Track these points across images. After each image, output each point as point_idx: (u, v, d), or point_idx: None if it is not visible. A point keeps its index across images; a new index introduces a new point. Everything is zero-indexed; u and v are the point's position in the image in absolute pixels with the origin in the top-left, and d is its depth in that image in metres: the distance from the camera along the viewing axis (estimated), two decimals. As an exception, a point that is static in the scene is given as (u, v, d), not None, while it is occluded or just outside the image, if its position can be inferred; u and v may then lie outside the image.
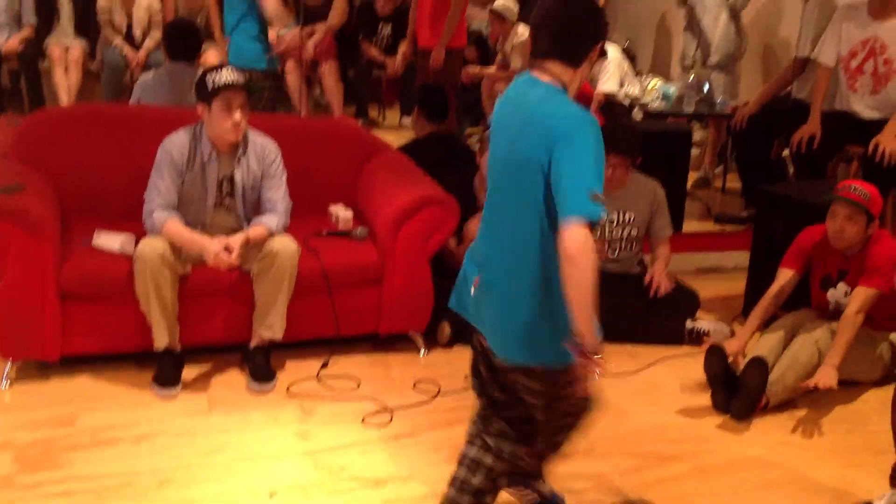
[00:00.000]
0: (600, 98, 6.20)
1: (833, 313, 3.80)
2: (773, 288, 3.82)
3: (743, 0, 6.11)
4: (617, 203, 4.18)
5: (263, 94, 5.47)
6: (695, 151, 6.61)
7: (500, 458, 2.48)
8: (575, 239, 2.06)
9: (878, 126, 4.69)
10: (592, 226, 2.08)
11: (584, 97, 5.92)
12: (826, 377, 3.44)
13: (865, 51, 4.77)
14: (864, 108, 4.84)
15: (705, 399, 3.62)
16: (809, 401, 3.68)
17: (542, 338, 2.24)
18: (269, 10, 5.48)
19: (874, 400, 3.77)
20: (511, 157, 2.26)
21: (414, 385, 3.63)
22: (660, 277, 4.17)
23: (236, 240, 3.46)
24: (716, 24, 6.17)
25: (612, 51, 6.43)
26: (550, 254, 2.16)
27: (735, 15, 6.14)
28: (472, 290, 2.38)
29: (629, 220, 4.24)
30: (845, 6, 4.97)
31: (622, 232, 4.24)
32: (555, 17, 2.27)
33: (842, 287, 3.79)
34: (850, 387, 3.77)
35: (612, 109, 5.93)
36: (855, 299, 3.63)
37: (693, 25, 6.31)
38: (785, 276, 3.84)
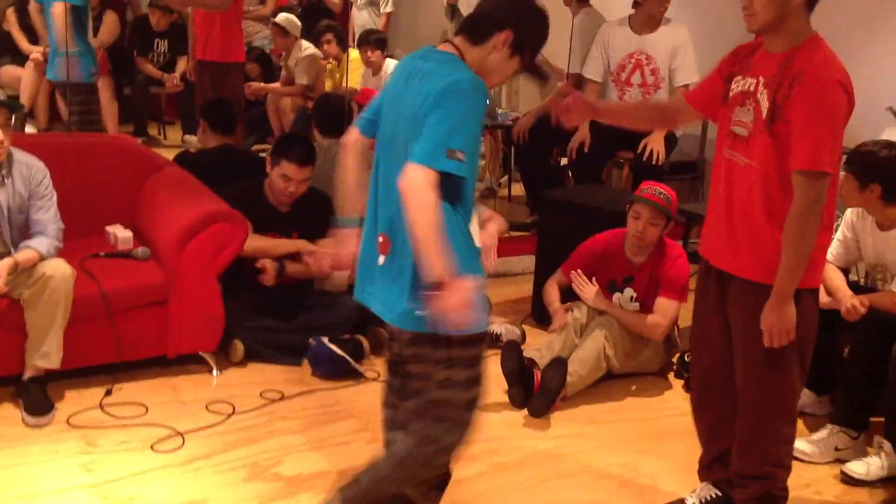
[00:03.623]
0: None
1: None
2: (550, 282, 4.21)
3: None
4: None
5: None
6: (480, 163, 6.79)
7: None
8: (409, 178, 2.12)
9: (645, 132, 5.00)
10: (448, 177, 2.15)
11: None
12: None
13: (632, 64, 5.08)
14: (634, 118, 5.13)
15: (502, 398, 3.70)
16: (599, 393, 3.85)
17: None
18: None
19: (655, 389, 3.99)
20: (399, 116, 2.29)
21: (206, 406, 3.50)
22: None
23: (3, 265, 3.23)
24: None
25: (391, 65, 6.52)
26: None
27: None
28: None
29: None
30: (607, 24, 5.29)
31: None
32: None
33: (628, 292, 4.01)
34: (634, 377, 3.97)
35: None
36: (662, 311, 3.89)
37: None
38: (560, 278, 4.18)
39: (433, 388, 2.34)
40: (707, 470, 2.98)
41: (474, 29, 2.35)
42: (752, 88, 2.53)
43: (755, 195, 2.51)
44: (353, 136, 2.52)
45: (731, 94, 2.61)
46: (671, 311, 3.90)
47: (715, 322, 2.73)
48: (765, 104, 2.46)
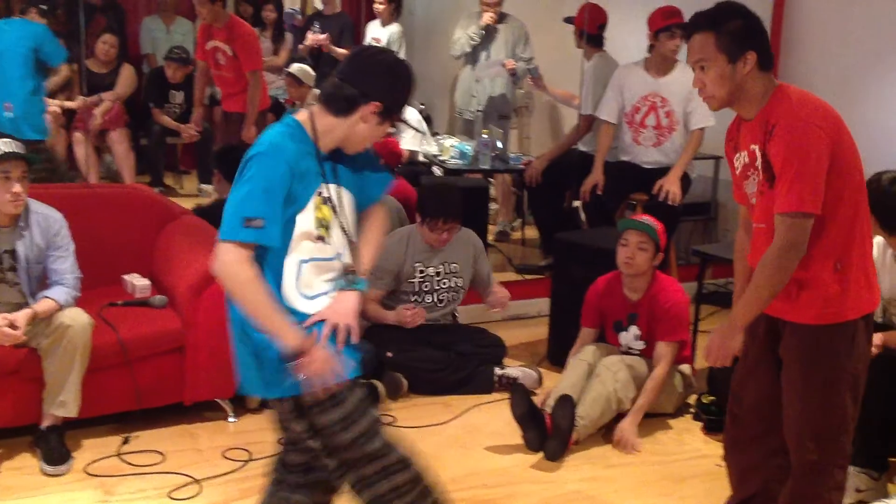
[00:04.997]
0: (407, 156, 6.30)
1: (626, 353, 4.00)
2: (578, 344, 4.09)
3: (522, 72, 6.40)
4: (443, 255, 4.29)
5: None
6: (494, 206, 6.82)
7: None
8: (217, 260, 2.16)
9: (659, 173, 5.02)
10: (259, 246, 2.18)
11: (392, 155, 5.96)
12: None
13: (647, 106, 5.11)
14: (648, 159, 5.16)
15: (517, 442, 3.68)
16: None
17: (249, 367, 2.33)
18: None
19: (672, 431, 3.96)
20: None
21: (223, 453, 3.50)
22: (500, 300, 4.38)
23: (22, 315, 3.27)
24: (493, 83, 6.46)
25: (410, 112, 6.58)
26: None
27: (514, 79, 6.44)
28: None
29: (454, 270, 4.33)
30: (623, 67, 5.33)
31: (448, 282, 4.32)
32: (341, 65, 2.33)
33: (633, 330, 4.00)
34: (650, 419, 3.94)
35: (414, 168, 6.05)
36: (664, 359, 3.88)
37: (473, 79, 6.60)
38: (586, 334, 4.12)
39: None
40: None
41: (336, 103, 2.26)
42: (748, 159, 2.57)
43: None
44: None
45: (737, 171, 2.66)
46: (670, 355, 3.90)
47: (764, 360, 2.70)
48: (762, 168, 2.50)
